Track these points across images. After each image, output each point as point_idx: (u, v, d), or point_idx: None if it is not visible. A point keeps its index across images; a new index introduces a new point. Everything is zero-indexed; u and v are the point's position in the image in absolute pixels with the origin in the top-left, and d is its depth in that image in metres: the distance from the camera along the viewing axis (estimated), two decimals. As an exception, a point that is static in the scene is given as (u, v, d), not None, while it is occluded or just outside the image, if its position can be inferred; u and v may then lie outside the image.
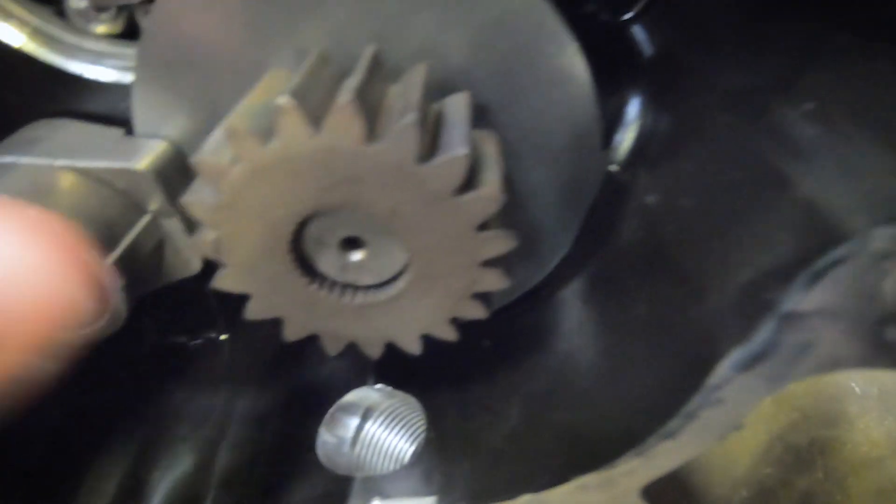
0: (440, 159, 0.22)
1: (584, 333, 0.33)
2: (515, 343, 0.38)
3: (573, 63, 0.29)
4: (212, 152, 0.23)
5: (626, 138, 0.33)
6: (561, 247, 0.35)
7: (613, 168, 0.33)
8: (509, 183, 0.30)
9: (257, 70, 0.28)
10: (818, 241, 0.19)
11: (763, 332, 0.20)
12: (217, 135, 0.24)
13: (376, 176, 0.23)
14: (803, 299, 0.19)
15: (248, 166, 0.23)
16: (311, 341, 0.31)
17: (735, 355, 0.21)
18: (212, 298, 0.44)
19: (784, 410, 0.70)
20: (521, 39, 0.28)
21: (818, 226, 0.19)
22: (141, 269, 0.32)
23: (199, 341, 0.46)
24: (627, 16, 0.35)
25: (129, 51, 0.31)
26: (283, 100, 0.21)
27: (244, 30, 0.27)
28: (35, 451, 0.40)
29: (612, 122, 0.35)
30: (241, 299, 0.29)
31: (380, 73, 0.27)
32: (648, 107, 0.33)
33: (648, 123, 0.33)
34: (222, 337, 0.46)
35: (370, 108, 0.24)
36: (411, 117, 0.21)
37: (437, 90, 0.28)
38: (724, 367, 0.22)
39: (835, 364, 0.22)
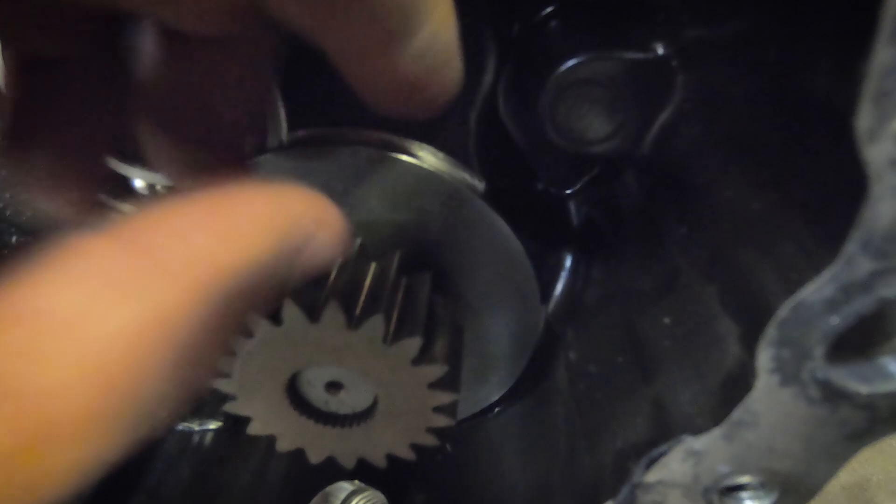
0: (401, 343, 0.30)
1: (521, 456, 0.40)
2: (472, 453, 0.45)
3: (514, 248, 0.37)
4: (233, 323, 0.32)
5: (560, 294, 0.42)
6: (509, 379, 0.43)
7: (550, 320, 0.41)
8: (459, 335, 0.38)
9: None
10: (659, 431, 0.27)
11: (624, 492, 0.28)
12: (238, 308, 0.33)
13: (354, 349, 0.31)
14: (645, 474, 0.26)
15: (260, 339, 0.31)
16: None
17: (608, 505, 0.29)
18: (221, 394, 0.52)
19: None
20: (476, 233, 0.36)
21: (659, 420, 0.27)
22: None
23: (205, 428, 0.53)
24: (568, 192, 0.43)
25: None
26: (288, 299, 0.30)
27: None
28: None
29: (551, 277, 0.43)
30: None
31: (365, 254, 0.35)
32: (577, 269, 0.41)
33: (577, 284, 0.41)
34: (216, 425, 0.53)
35: (354, 290, 0.32)
36: (380, 318, 0.30)
37: (414, 258, 0.37)
38: (601, 512, 0.29)
39: (682, 516, 0.29)
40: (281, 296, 0.22)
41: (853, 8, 0.16)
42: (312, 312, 0.30)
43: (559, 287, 0.42)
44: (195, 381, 0.16)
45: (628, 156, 0.33)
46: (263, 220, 0.17)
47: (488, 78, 0.32)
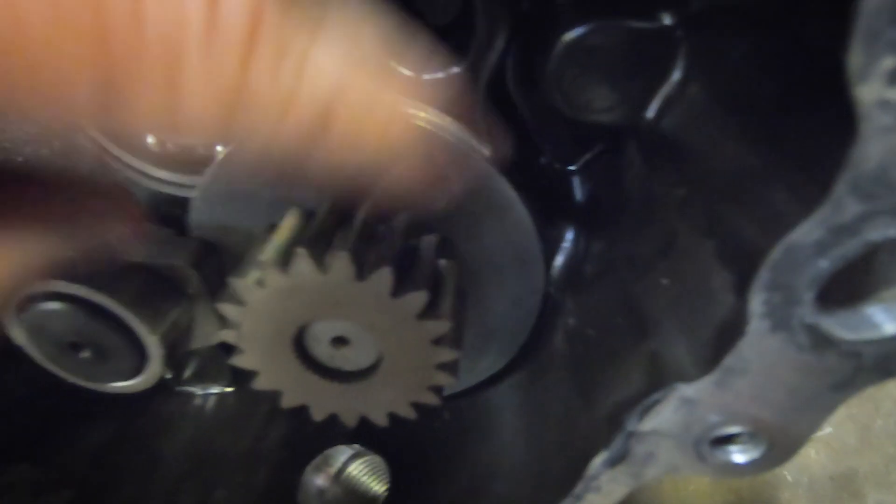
0: (407, 297, 0.32)
1: (519, 420, 0.41)
2: (470, 420, 0.46)
3: (520, 214, 0.38)
4: (245, 274, 0.33)
5: (561, 266, 0.43)
6: (512, 348, 0.44)
7: (551, 290, 0.42)
8: (463, 297, 0.39)
9: (284, 204, 0.37)
10: (654, 382, 0.28)
11: (618, 442, 0.29)
12: (250, 259, 0.33)
13: (361, 302, 0.32)
14: (640, 423, 0.27)
15: (271, 289, 0.32)
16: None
17: (602, 456, 0.30)
18: (224, 357, 0.52)
19: (720, 492, 0.78)
20: (482, 199, 0.37)
21: (654, 372, 0.28)
22: (178, 339, 0.41)
23: (209, 391, 0.54)
24: (571, 168, 0.45)
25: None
26: (300, 249, 0.31)
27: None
28: (44, 482, 0.47)
29: (553, 250, 0.44)
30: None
31: (374, 215, 0.36)
32: (578, 242, 0.42)
33: (577, 256, 0.42)
34: (228, 389, 0.54)
35: (364, 245, 0.33)
36: (388, 270, 0.31)
37: (421, 224, 0.38)
38: (596, 464, 0.30)
39: (675, 469, 0.30)
40: None
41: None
42: (322, 263, 0.31)
43: (559, 260, 0.43)
44: None
45: (632, 125, 0.34)
46: None
47: (499, 44, 0.33)
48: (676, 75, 0.31)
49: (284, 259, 0.32)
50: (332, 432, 0.49)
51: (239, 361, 0.37)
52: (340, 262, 0.31)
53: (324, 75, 0.18)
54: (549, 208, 0.44)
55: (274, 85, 0.17)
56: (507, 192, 0.37)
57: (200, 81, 0.16)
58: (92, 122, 0.15)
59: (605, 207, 0.41)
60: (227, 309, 0.34)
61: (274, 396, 0.40)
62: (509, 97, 0.43)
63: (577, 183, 0.44)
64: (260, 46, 0.17)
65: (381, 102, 0.21)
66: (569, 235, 0.43)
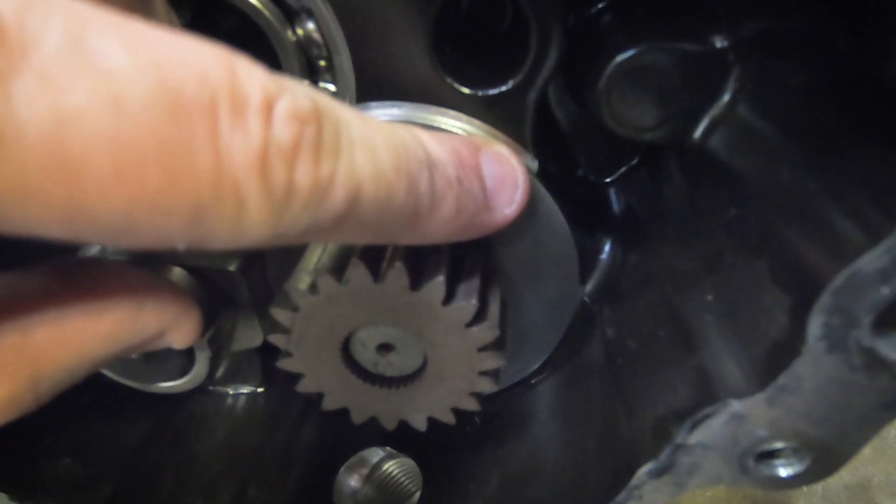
0: (457, 305, 0.32)
1: (554, 424, 0.42)
2: (501, 423, 0.47)
3: (558, 222, 0.39)
4: (299, 280, 0.34)
5: (597, 276, 0.44)
6: (544, 352, 0.45)
7: (587, 299, 0.43)
8: (504, 305, 0.40)
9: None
10: (703, 396, 0.29)
11: (665, 453, 0.29)
12: (305, 266, 0.34)
13: (412, 310, 0.33)
14: (688, 436, 0.28)
15: (324, 296, 0.33)
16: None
17: (648, 466, 0.31)
18: (256, 358, 0.53)
19: (736, 498, 0.79)
20: (526, 209, 0.38)
21: (703, 386, 0.29)
22: (222, 342, 0.42)
23: (240, 391, 0.55)
24: (608, 179, 0.45)
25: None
26: (355, 259, 0.31)
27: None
28: (86, 477, 0.48)
29: (589, 261, 0.45)
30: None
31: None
32: (615, 253, 0.43)
33: (615, 268, 0.43)
34: (260, 389, 0.55)
35: (416, 254, 0.34)
36: (441, 281, 0.31)
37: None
38: (641, 473, 0.31)
39: (717, 480, 0.31)
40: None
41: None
42: (377, 273, 0.32)
43: (597, 270, 0.44)
44: None
45: (678, 143, 0.35)
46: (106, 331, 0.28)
47: (551, 62, 0.34)
48: (726, 97, 0.31)
49: (339, 267, 0.33)
50: (364, 434, 0.50)
51: (286, 364, 0.38)
52: (396, 273, 0.32)
53: (356, 163, 0.22)
54: (587, 219, 0.45)
55: (316, 179, 0.20)
56: (548, 201, 0.38)
57: (258, 189, 0.19)
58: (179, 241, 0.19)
59: (642, 220, 0.42)
60: (280, 314, 0.34)
61: (305, 398, 0.40)
62: (549, 109, 0.44)
63: (613, 194, 0.45)
64: (303, 151, 0.20)
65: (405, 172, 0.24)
66: (606, 247, 0.44)
